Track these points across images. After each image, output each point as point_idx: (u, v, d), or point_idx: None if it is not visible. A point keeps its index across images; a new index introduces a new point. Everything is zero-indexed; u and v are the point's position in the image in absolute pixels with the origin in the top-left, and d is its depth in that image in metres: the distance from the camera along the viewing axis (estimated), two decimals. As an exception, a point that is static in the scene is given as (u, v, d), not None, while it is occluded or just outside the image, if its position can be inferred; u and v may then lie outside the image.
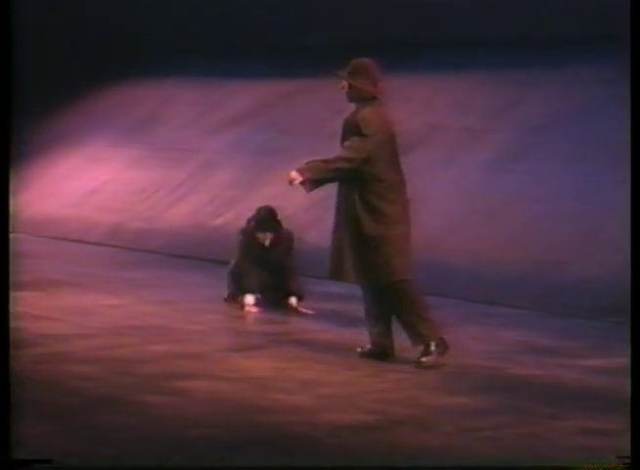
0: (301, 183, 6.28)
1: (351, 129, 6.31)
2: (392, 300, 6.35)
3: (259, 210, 8.35)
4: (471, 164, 10.39)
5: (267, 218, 8.23)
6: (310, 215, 10.35)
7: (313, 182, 6.30)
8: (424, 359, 6.30)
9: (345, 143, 6.33)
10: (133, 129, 14.00)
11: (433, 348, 6.30)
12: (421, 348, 6.37)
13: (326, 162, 6.31)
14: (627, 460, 4.35)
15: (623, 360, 6.49)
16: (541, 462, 4.68)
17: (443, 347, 6.33)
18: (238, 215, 11.35)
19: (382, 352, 6.46)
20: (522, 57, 11.33)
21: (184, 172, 12.59)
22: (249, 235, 8.25)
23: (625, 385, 5.91)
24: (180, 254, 11.01)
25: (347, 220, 6.34)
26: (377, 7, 12.51)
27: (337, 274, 6.48)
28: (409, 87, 11.46)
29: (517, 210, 9.54)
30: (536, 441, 4.92)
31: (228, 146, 12.66)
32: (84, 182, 13.36)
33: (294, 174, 6.27)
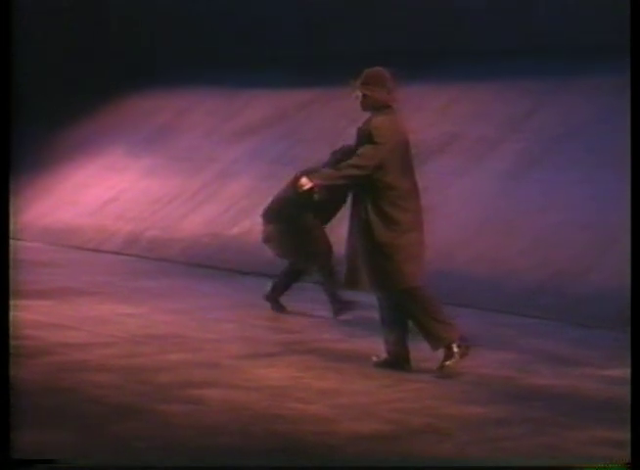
0: (311, 189, 6.31)
1: (364, 137, 6.35)
2: (407, 306, 6.36)
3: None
4: (487, 173, 10.38)
5: None
6: (326, 225, 10.36)
7: (323, 188, 6.32)
8: (447, 363, 6.29)
9: (357, 151, 6.36)
10: (150, 139, 14.05)
11: (454, 349, 6.29)
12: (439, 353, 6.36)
13: (337, 168, 6.33)
14: (628, 462, 4.35)
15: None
16: (542, 462, 4.66)
17: (465, 347, 6.32)
18: (254, 225, 11.38)
19: (398, 362, 6.46)
20: (538, 66, 11.33)
21: (200, 181, 12.62)
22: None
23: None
24: (196, 263, 11.03)
25: (360, 228, 6.36)
26: (393, 17, 12.53)
27: (352, 283, 6.49)
28: (426, 96, 11.47)
29: (534, 219, 9.52)
30: (554, 451, 4.91)
31: (244, 155, 12.68)
32: (101, 191, 13.40)
33: (304, 180, 6.32)
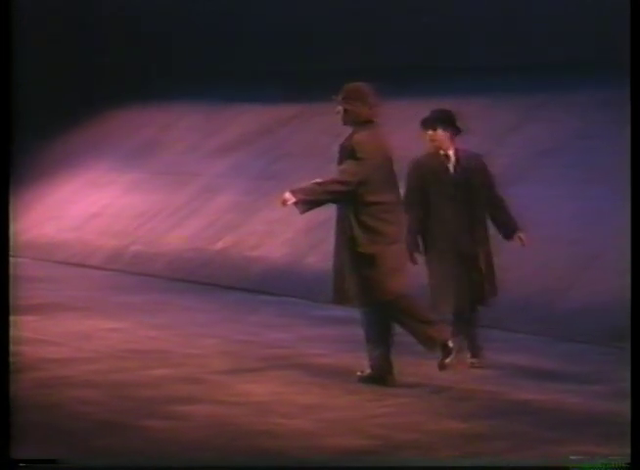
0: (295, 204, 6.33)
1: (347, 153, 6.38)
2: (395, 315, 6.38)
3: None
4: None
5: None
6: (310, 239, 10.35)
7: (306, 203, 6.34)
8: (447, 360, 6.34)
9: (341, 166, 6.38)
10: (134, 154, 14.03)
11: (450, 345, 6.34)
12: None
13: (320, 184, 6.35)
14: (627, 461, 4.36)
15: (626, 386, 6.48)
16: (541, 463, 4.66)
17: (458, 339, 6.40)
18: (238, 239, 11.37)
19: (381, 377, 6.45)
20: (524, 82, 11.36)
21: (184, 196, 12.61)
22: None
23: (628, 410, 5.91)
24: (180, 277, 11.00)
25: (345, 241, 6.39)
26: (379, 33, 12.56)
27: (340, 299, 6.50)
28: (411, 112, 11.47)
29: (518, 234, 9.52)
30: (538, 466, 4.90)
31: (228, 170, 12.68)
32: (85, 206, 13.37)
33: (287, 195, 6.33)
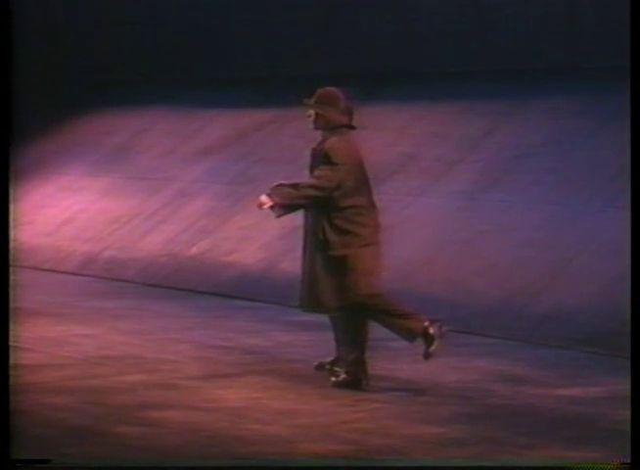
0: (271, 207, 6.34)
1: (320, 158, 6.39)
2: (371, 313, 6.39)
3: None
4: (446, 194, 10.44)
5: None
6: (285, 244, 10.34)
7: (283, 207, 6.36)
8: (431, 348, 6.33)
9: (316, 172, 6.39)
10: (108, 159, 13.98)
11: (431, 332, 6.33)
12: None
13: (296, 188, 6.36)
14: (627, 461, 4.39)
15: (598, 390, 6.53)
16: (540, 463, 4.67)
17: (439, 325, 6.36)
18: (213, 245, 11.36)
19: (356, 382, 6.45)
20: (495, 88, 11.42)
21: (159, 201, 12.58)
22: None
23: (601, 414, 5.95)
24: (154, 283, 10.97)
25: (318, 245, 6.39)
26: (354, 38, 12.59)
27: (311, 305, 6.51)
28: (385, 117, 11.52)
29: (492, 239, 9.57)
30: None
31: (203, 175, 12.66)
32: (58, 211, 13.31)
33: (263, 198, 6.35)
